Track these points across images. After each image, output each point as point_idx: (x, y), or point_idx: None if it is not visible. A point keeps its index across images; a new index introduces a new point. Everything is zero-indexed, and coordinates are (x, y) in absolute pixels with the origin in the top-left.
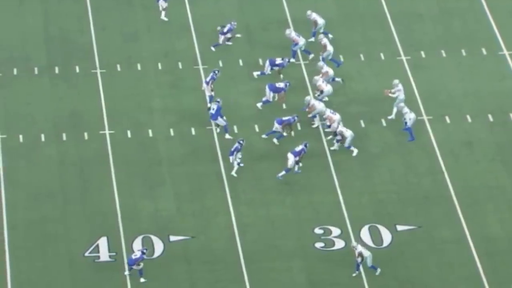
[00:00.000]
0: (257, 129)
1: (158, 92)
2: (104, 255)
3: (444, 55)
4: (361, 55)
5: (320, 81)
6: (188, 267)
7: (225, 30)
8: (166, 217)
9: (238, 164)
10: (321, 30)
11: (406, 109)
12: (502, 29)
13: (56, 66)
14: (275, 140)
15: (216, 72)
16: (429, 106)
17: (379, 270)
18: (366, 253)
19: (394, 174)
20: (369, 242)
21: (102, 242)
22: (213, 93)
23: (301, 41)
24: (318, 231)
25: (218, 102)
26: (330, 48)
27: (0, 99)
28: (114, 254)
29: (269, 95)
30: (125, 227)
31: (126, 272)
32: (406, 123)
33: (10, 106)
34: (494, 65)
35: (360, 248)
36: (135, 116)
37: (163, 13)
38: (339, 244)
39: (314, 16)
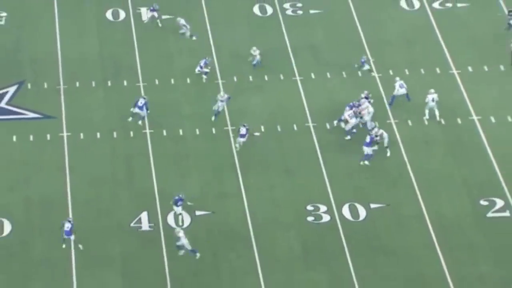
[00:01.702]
0: (263, 129)
1: (187, 101)
2: (145, 225)
3: (407, 73)
4: (343, 72)
5: (366, 103)
6: (209, 236)
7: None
8: (193, 195)
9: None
10: (188, 33)
11: (398, 85)
12: (451, 53)
13: (109, 80)
14: (367, 163)
15: (208, 59)
16: (396, 112)
17: (198, 254)
18: (184, 240)
19: (370, 165)
20: (349, 217)
21: (144, 216)
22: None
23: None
24: (309, 208)
25: (145, 98)
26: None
27: (65, 106)
28: (152, 225)
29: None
30: (161, 204)
31: (64, 246)
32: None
33: (73, 111)
34: (445, 81)
35: (181, 233)
36: (169, 119)
37: (158, 21)
38: (326, 218)
39: (182, 22)
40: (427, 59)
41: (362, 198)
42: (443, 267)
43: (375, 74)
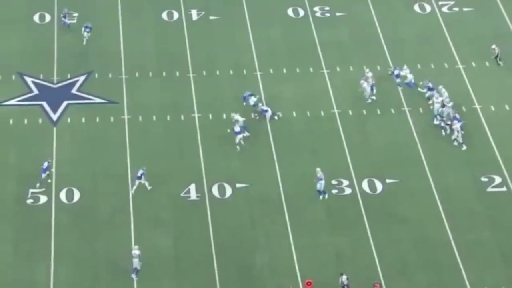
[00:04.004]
0: (294, 114)
1: (230, 89)
2: (193, 195)
3: (419, 67)
4: (364, 66)
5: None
6: (248, 204)
7: None
8: (234, 170)
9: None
10: None
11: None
12: (458, 51)
13: (164, 71)
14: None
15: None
16: (409, 101)
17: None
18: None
19: (385, 145)
20: (367, 190)
21: (192, 187)
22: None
23: None
24: (334, 182)
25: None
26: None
27: (127, 93)
28: (199, 195)
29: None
30: (207, 177)
31: (38, 185)
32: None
33: (133, 97)
34: (452, 75)
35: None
36: (214, 104)
37: None
38: (348, 191)
39: None
40: (436, 55)
41: (379, 174)
42: (448, 233)
43: (392, 68)
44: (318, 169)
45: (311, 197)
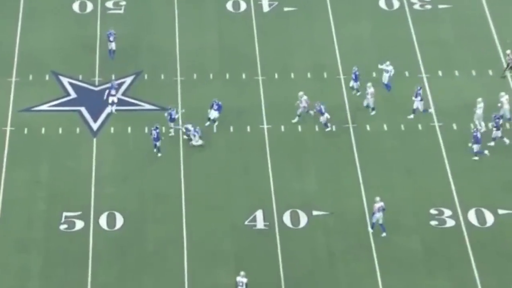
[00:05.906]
0: (385, 128)
1: (307, 96)
2: (260, 224)
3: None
4: (473, 71)
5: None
6: (326, 236)
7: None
8: (310, 194)
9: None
10: None
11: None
12: None
13: (227, 72)
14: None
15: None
16: None
17: None
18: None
19: (498, 168)
20: (475, 222)
21: (259, 214)
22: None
23: None
24: (433, 211)
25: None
26: None
27: (182, 98)
28: (267, 223)
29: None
30: (277, 202)
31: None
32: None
33: (189, 103)
34: None
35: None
36: (287, 114)
37: None
38: (451, 223)
39: None
40: None
41: (490, 204)
42: None
43: (507, 74)
44: (377, 199)
45: (405, 229)
